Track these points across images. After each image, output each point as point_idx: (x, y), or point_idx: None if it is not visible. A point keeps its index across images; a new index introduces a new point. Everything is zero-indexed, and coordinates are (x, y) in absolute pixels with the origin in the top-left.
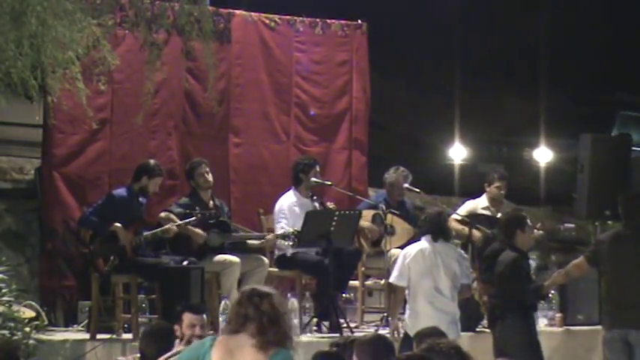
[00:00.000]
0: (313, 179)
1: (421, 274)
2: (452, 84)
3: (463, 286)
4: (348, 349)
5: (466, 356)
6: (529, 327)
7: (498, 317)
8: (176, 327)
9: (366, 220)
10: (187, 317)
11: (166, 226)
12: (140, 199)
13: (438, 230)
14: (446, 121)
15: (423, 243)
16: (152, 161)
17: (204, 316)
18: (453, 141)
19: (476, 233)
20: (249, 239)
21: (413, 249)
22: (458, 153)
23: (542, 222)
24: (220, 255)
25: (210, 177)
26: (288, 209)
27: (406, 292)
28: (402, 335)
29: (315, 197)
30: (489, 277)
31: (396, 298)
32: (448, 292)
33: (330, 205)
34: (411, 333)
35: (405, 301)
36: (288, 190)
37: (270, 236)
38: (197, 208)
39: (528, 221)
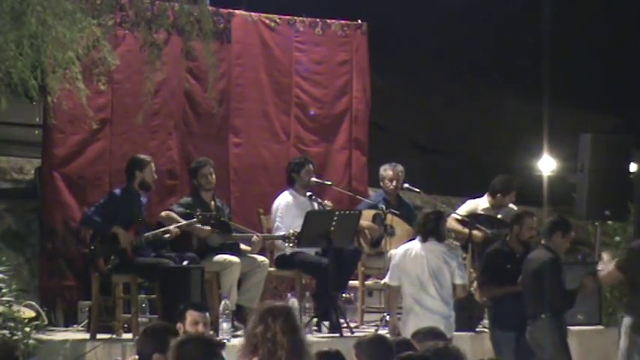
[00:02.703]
0: (313, 179)
1: (407, 274)
2: (540, 98)
3: (457, 287)
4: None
5: (462, 357)
6: (561, 327)
7: (529, 316)
8: (179, 325)
9: (366, 220)
10: (191, 315)
11: (168, 228)
12: (142, 198)
13: (425, 231)
14: (534, 133)
15: (412, 243)
16: (138, 155)
17: (207, 314)
18: (541, 153)
19: (476, 233)
20: (245, 238)
21: (401, 249)
22: (546, 165)
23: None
24: (220, 255)
25: (213, 178)
26: (286, 208)
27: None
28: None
29: (313, 196)
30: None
31: (389, 297)
32: (434, 291)
33: (327, 202)
34: (403, 332)
35: None
36: (284, 190)
37: (254, 238)
38: (198, 209)
39: (572, 232)
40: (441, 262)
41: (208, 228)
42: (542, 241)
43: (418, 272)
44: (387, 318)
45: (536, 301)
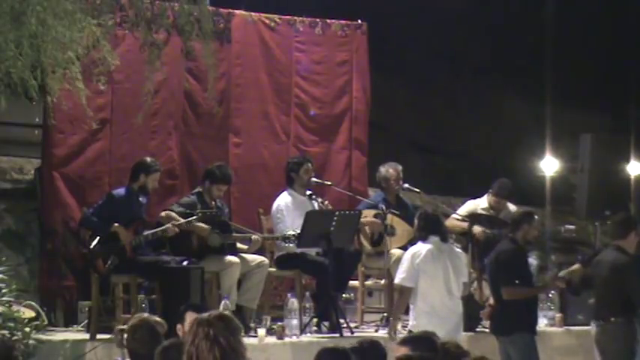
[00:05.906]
0: (313, 179)
1: (433, 276)
2: (543, 100)
3: (465, 285)
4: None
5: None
6: (632, 334)
7: (598, 319)
8: (179, 327)
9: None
10: (190, 316)
11: (166, 226)
12: (140, 199)
13: (443, 230)
14: (537, 134)
15: (431, 244)
16: (148, 158)
17: None
18: (543, 154)
19: (476, 227)
20: (244, 238)
21: (422, 250)
22: (549, 165)
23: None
24: (220, 255)
25: (223, 193)
26: (285, 208)
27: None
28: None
29: (314, 196)
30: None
31: (402, 299)
32: (457, 291)
33: (327, 203)
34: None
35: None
36: (283, 190)
37: (254, 237)
38: (199, 206)
39: None
40: (458, 262)
41: (208, 227)
42: (614, 242)
43: (444, 273)
44: (391, 319)
45: (610, 304)
